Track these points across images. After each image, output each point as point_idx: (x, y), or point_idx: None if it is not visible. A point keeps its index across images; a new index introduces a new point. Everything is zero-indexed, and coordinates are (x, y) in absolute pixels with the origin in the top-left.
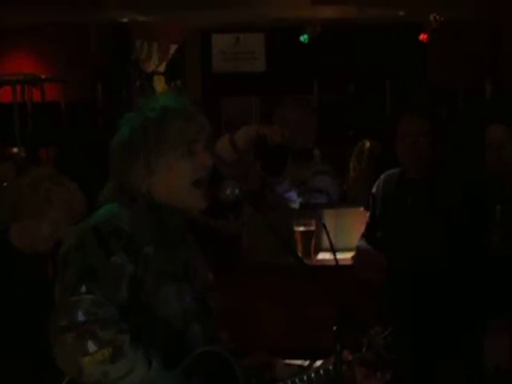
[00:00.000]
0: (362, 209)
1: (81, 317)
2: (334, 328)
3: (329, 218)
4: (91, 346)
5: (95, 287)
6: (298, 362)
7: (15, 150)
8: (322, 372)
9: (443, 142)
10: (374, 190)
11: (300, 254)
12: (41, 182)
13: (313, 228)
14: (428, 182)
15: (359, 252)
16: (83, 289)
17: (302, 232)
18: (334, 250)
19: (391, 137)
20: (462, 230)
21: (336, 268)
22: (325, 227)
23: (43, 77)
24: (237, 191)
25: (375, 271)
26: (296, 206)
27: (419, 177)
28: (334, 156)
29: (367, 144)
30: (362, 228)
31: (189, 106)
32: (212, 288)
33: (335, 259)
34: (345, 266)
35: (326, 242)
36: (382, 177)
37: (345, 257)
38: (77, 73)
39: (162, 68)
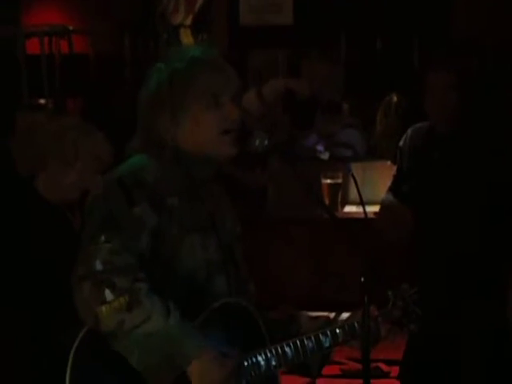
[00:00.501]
0: (388, 162)
1: (98, 265)
2: (362, 280)
3: (355, 170)
4: (108, 295)
5: (114, 236)
6: (324, 314)
7: (43, 101)
8: (346, 327)
9: (472, 96)
10: (401, 143)
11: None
12: (68, 130)
13: (340, 181)
14: (456, 136)
15: (384, 207)
16: (102, 238)
17: (329, 184)
18: (362, 202)
19: (419, 91)
20: (490, 185)
21: (364, 221)
22: (354, 178)
23: (71, 28)
24: (266, 142)
25: (399, 226)
26: (325, 157)
27: (447, 131)
28: (362, 110)
29: (394, 98)
30: (388, 182)
31: (217, 58)
32: (240, 240)
33: (364, 211)
34: (372, 219)
35: (352, 195)
36: (409, 130)
37: (371, 210)
38: (104, 25)
39: (188, 21)
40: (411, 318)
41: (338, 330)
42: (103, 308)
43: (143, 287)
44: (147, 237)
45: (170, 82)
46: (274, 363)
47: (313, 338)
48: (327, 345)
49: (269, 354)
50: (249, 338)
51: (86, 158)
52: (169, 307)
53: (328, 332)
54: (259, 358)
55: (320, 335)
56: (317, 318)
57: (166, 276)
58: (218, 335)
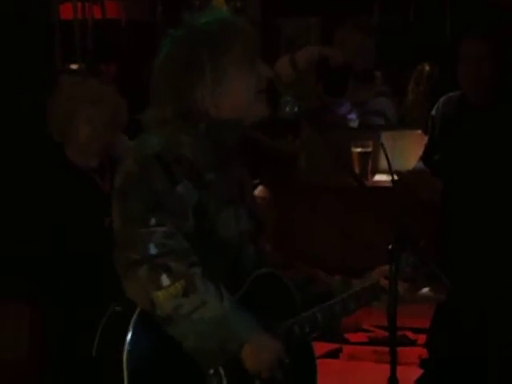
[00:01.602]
0: (419, 131)
1: (153, 250)
2: (389, 247)
3: (387, 139)
4: (164, 280)
5: (165, 218)
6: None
7: (75, 66)
8: (369, 289)
9: (505, 67)
10: (433, 112)
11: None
12: (79, 101)
13: (370, 149)
14: (489, 107)
15: (415, 171)
16: (153, 221)
17: (359, 153)
18: (391, 170)
19: (452, 60)
20: None
21: (393, 189)
22: (383, 147)
23: None
24: (296, 109)
25: (430, 191)
26: (355, 125)
27: (480, 101)
28: (394, 79)
29: (426, 67)
30: (419, 151)
31: (243, 20)
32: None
33: (393, 180)
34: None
35: (383, 164)
36: (441, 100)
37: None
38: None
39: None
40: (423, 274)
41: (361, 292)
42: (160, 293)
43: (198, 271)
44: (192, 214)
45: (208, 47)
46: (307, 330)
47: (340, 301)
48: (352, 307)
49: (303, 321)
50: (284, 307)
51: (86, 112)
52: (221, 291)
53: (353, 294)
54: (295, 327)
55: (346, 298)
56: (332, 277)
57: (206, 250)
58: (259, 307)
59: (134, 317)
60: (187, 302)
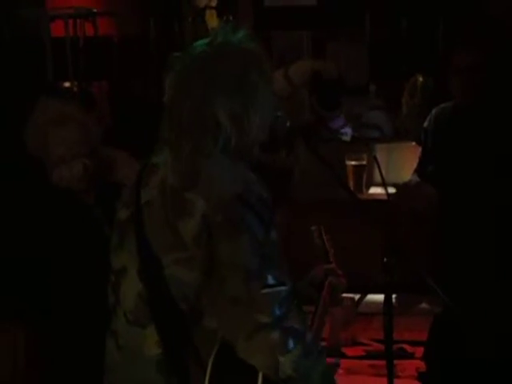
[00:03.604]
0: (413, 143)
1: (277, 311)
2: (384, 260)
3: (381, 152)
4: (291, 343)
5: (281, 275)
6: (350, 295)
7: (67, 84)
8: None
9: (497, 76)
10: (426, 124)
11: (352, 188)
12: (47, 124)
13: (364, 162)
14: (482, 116)
15: (402, 185)
16: (270, 279)
17: (353, 166)
18: (384, 183)
19: (444, 71)
20: None
21: (387, 202)
22: (376, 160)
23: (96, 10)
24: (288, 125)
25: (420, 200)
26: (347, 139)
27: (473, 111)
28: (387, 91)
29: (420, 79)
30: (414, 163)
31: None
32: None
33: (386, 192)
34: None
35: (377, 177)
36: (433, 111)
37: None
38: (129, 7)
39: (213, 2)
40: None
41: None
42: (286, 357)
43: (303, 326)
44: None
45: (257, 67)
46: None
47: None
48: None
49: None
50: None
51: (55, 137)
52: (319, 343)
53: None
54: None
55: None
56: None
57: None
58: None
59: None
60: (305, 362)
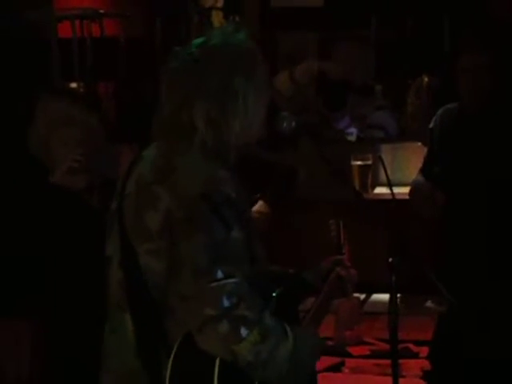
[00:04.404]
0: (419, 144)
1: (226, 302)
2: (389, 260)
3: (386, 152)
4: (243, 331)
5: (231, 269)
6: (355, 295)
7: (74, 84)
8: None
9: (504, 78)
10: (431, 124)
11: (357, 188)
12: (50, 125)
13: (370, 162)
14: (487, 117)
15: (416, 187)
16: (220, 274)
17: (359, 166)
18: (390, 183)
19: (450, 72)
20: None
21: (393, 202)
22: (381, 160)
23: (102, 12)
24: (293, 124)
25: (431, 206)
26: (352, 139)
27: (478, 113)
28: (393, 91)
29: (425, 79)
30: (419, 163)
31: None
32: None
33: (392, 192)
34: (401, 200)
35: (382, 177)
36: (439, 111)
37: (402, 191)
38: (135, 8)
39: (220, 3)
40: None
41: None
42: (241, 345)
43: (266, 314)
44: (246, 256)
45: (240, 74)
46: None
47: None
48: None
49: None
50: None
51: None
52: (284, 326)
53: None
54: None
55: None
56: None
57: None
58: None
59: (216, 369)
60: (265, 346)
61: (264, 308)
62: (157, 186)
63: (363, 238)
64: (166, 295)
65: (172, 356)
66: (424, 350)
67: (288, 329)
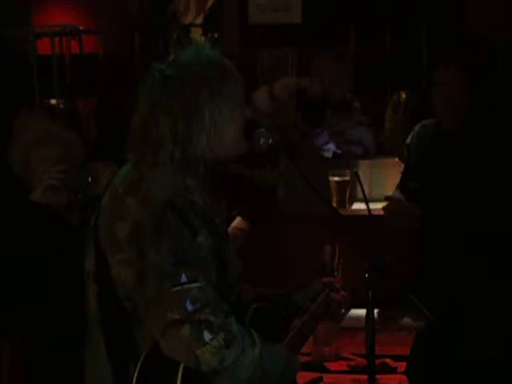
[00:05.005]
0: (396, 159)
1: (190, 306)
2: (366, 276)
3: (364, 168)
4: (207, 336)
5: (195, 273)
6: None
7: (53, 101)
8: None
9: (480, 93)
10: (408, 140)
11: (335, 204)
12: (29, 144)
13: (348, 178)
14: (463, 133)
15: (391, 202)
16: (184, 278)
17: (336, 182)
18: (366, 199)
19: (428, 87)
20: (498, 182)
21: (370, 218)
22: (357, 176)
23: (81, 28)
24: (270, 141)
25: (407, 221)
26: (329, 155)
27: (454, 128)
28: (371, 107)
29: (403, 95)
30: (396, 179)
31: (228, 61)
32: None
33: (368, 208)
34: (379, 216)
35: (360, 193)
36: (416, 127)
37: (379, 207)
38: (115, 24)
39: (199, 20)
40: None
41: (317, 309)
42: (204, 349)
43: (232, 320)
44: (213, 263)
45: (206, 90)
46: None
47: (304, 324)
48: (314, 325)
49: None
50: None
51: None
52: (252, 334)
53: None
54: None
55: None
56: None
57: (222, 294)
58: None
59: (179, 376)
60: (229, 352)
61: (230, 314)
62: (127, 197)
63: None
64: (136, 306)
65: (137, 368)
66: (402, 365)
67: (257, 338)
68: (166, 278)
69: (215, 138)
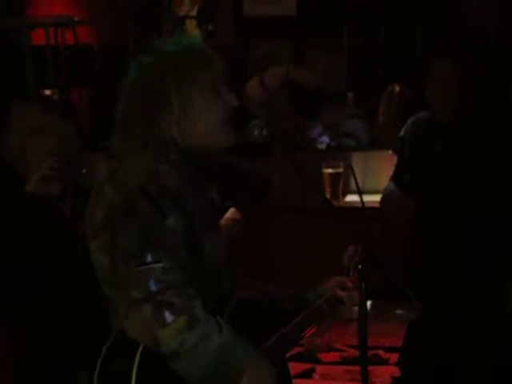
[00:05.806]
0: (390, 152)
1: (153, 287)
2: (359, 267)
3: (357, 160)
4: (168, 317)
5: (160, 254)
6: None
7: (48, 92)
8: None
9: (473, 87)
10: (401, 133)
11: (328, 196)
12: (24, 134)
13: (341, 170)
14: (457, 126)
15: (387, 194)
16: (149, 258)
17: (330, 174)
18: (359, 191)
19: (421, 81)
20: (490, 175)
21: (363, 209)
22: (351, 168)
23: (76, 19)
24: (264, 132)
25: (402, 214)
26: (322, 147)
27: (448, 121)
28: (365, 100)
29: (397, 88)
30: (390, 171)
31: (207, 48)
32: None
33: (361, 200)
34: (372, 208)
35: (354, 185)
36: (409, 120)
37: (373, 199)
38: (109, 15)
39: (193, 12)
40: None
41: (321, 307)
42: (165, 330)
43: (197, 304)
44: (183, 246)
45: (174, 75)
46: None
47: (304, 318)
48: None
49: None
50: (260, 331)
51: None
52: (219, 321)
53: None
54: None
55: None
56: (286, 290)
57: (195, 280)
58: (240, 331)
59: (138, 356)
60: (191, 336)
61: (195, 298)
62: (105, 184)
63: (334, 244)
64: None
65: (103, 353)
66: (394, 357)
67: (224, 326)
68: (132, 258)
69: (185, 125)
